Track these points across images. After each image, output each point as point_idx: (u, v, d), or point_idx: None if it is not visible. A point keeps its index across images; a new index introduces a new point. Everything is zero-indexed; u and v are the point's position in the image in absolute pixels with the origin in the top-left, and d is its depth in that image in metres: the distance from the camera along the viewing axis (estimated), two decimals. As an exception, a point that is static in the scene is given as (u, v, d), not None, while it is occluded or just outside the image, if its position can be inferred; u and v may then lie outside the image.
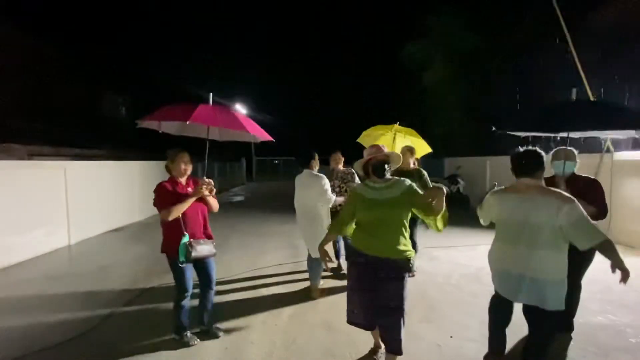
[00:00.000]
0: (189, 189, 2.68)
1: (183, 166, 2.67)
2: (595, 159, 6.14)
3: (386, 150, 2.36)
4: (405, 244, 2.21)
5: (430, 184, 3.53)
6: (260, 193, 16.26)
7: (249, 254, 5.31)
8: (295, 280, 4.20)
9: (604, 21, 8.66)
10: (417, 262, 4.83)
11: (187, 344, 2.71)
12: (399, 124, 4.32)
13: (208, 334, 2.86)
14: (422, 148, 4.32)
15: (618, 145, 6.12)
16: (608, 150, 5.98)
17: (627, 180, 5.65)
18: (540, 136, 3.52)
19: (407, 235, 2.24)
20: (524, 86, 12.04)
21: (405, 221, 2.23)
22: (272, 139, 3.13)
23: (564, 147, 2.81)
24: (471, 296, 3.62)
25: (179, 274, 2.64)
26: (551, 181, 2.74)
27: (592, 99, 6.13)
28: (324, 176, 3.50)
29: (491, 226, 2.35)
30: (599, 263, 4.62)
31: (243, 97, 24.66)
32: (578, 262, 2.72)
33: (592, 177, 2.68)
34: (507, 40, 12.56)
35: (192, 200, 2.59)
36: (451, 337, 2.82)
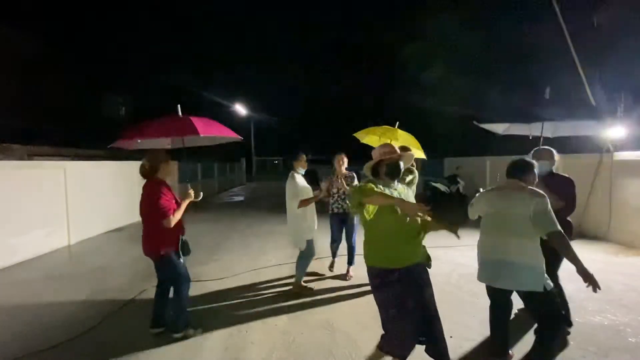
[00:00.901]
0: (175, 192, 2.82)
1: (171, 168, 2.84)
2: (595, 159, 6.14)
3: (398, 150, 2.22)
4: (423, 245, 2.24)
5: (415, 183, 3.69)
6: (260, 193, 16.26)
7: (249, 254, 5.31)
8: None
9: (604, 20, 8.67)
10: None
11: (189, 336, 2.80)
12: (398, 126, 4.35)
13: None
14: (418, 153, 4.38)
15: (618, 145, 6.12)
16: (608, 151, 5.99)
17: (627, 180, 5.65)
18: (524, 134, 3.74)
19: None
20: (524, 86, 12.08)
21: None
22: (241, 138, 3.40)
23: (540, 147, 3.01)
24: (471, 296, 3.62)
25: (180, 267, 2.75)
26: (556, 176, 2.95)
27: (591, 100, 6.15)
28: (295, 177, 3.62)
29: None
30: (598, 263, 4.62)
31: (243, 98, 24.67)
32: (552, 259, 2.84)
33: (567, 175, 2.88)
34: (508, 40, 12.59)
35: (186, 204, 2.80)
36: (451, 337, 2.81)
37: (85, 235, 6.52)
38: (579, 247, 5.35)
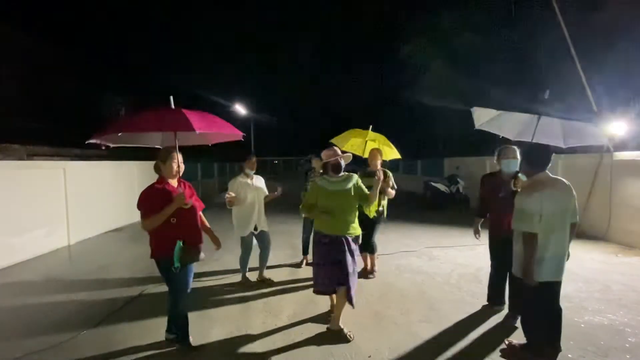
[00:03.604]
0: (180, 190, 2.50)
1: (175, 167, 2.48)
2: (595, 159, 6.15)
3: (339, 152, 2.93)
4: (355, 226, 2.90)
5: (393, 183, 4.02)
6: (260, 193, 16.21)
7: (248, 254, 5.30)
8: (295, 280, 4.20)
9: (602, 15, 8.68)
10: (417, 262, 4.85)
11: (185, 354, 2.62)
12: (372, 129, 4.61)
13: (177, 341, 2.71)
14: (391, 153, 4.61)
15: (618, 145, 6.13)
16: (608, 150, 5.99)
17: (627, 180, 5.65)
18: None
19: (356, 219, 2.92)
20: (523, 84, 12.07)
21: (355, 207, 2.91)
22: (242, 134, 2.98)
23: (508, 145, 3.04)
24: (471, 296, 3.62)
25: (179, 281, 2.51)
26: (495, 176, 3.12)
27: (592, 104, 6.16)
28: (237, 178, 3.89)
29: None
30: (598, 263, 4.61)
31: (244, 98, 24.67)
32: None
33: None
34: (507, 37, 12.59)
35: (171, 210, 2.37)
36: (450, 337, 2.82)
37: (85, 236, 6.51)
38: (579, 247, 5.38)
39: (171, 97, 2.58)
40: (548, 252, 2.30)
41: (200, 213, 2.78)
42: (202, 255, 2.59)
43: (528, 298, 2.44)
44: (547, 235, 2.28)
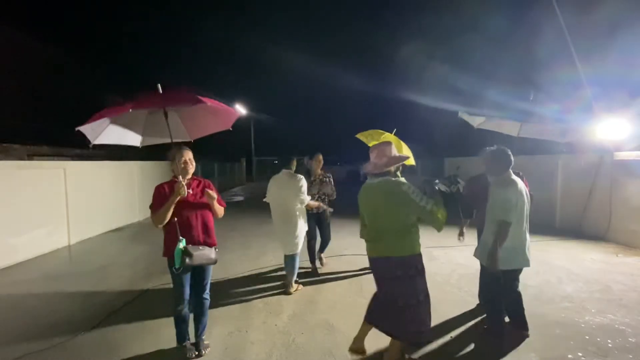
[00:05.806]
0: (189, 191, 2.47)
1: (182, 165, 2.48)
2: (595, 159, 6.14)
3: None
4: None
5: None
6: (260, 193, 16.21)
7: (249, 254, 5.31)
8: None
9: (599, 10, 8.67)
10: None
11: (184, 356, 2.55)
12: (394, 133, 4.54)
13: (197, 347, 2.63)
14: (410, 160, 4.59)
15: (619, 145, 6.12)
16: (608, 150, 5.98)
17: (627, 180, 5.65)
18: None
19: None
20: (522, 84, 12.10)
21: None
22: (238, 114, 2.91)
23: (487, 148, 3.07)
24: (471, 296, 3.62)
25: (176, 282, 2.48)
26: (480, 178, 3.16)
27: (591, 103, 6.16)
28: (302, 177, 3.66)
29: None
30: (598, 263, 4.60)
31: (244, 98, 24.70)
32: None
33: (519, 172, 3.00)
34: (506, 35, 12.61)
35: (173, 201, 2.35)
36: (451, 337, 2.82)
37: (85, 235, 6.52)
38: (579, 247, 5.37)
39: (159, 85, 2.48)
40: (511, 242, 2.49)
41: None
42: (213, 257, 2.52)
43: (492, 286, 2.68)
44: (521, 224, 2.52)
